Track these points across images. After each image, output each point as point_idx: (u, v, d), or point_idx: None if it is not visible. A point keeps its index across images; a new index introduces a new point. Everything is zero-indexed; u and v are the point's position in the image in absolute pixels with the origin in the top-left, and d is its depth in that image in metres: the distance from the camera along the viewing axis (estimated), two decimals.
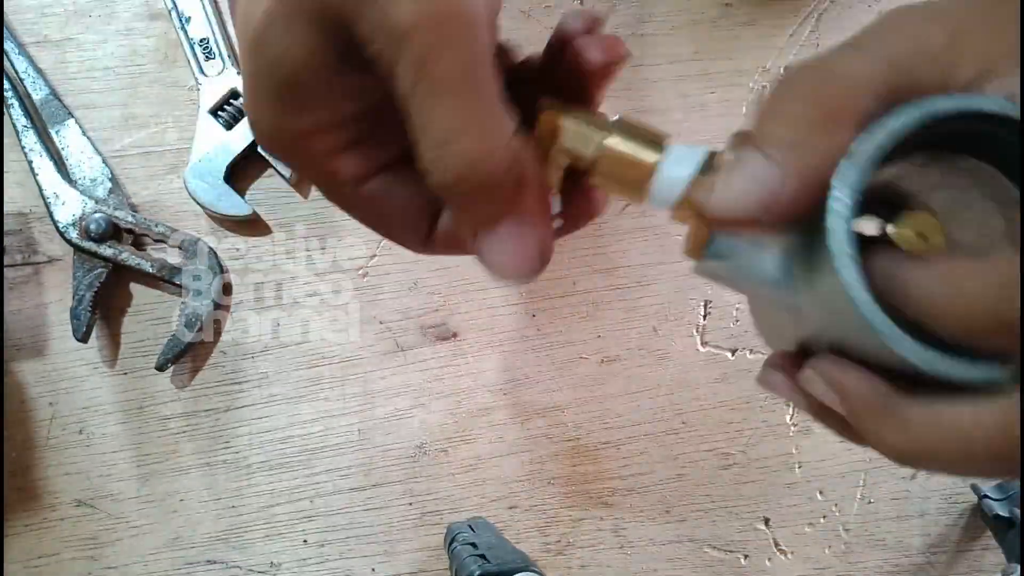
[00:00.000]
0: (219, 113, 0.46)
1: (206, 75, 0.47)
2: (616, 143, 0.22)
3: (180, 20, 0.47)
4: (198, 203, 0.46)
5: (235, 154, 0.46)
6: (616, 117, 0.23)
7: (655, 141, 0.22)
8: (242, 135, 0.46)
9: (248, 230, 0.47)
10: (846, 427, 0.22)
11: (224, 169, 0.45)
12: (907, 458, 0.20)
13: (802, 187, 0.19)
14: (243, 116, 0.46)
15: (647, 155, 0.22)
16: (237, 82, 0.46)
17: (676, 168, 0.22)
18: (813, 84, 0.19)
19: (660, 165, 0.22)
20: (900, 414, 0.19)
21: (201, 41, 0.47)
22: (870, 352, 0.20)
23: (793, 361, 0.23)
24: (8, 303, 0.45)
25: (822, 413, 0.22)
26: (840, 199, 0.19)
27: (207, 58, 0.47)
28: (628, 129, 0.22)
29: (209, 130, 0.46)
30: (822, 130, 0.19)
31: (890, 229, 0.21)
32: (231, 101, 0.47)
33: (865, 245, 0.19)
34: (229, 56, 0.47)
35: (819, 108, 0.19)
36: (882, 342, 0.18)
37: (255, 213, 0.46)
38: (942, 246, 0.20)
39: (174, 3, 0.47)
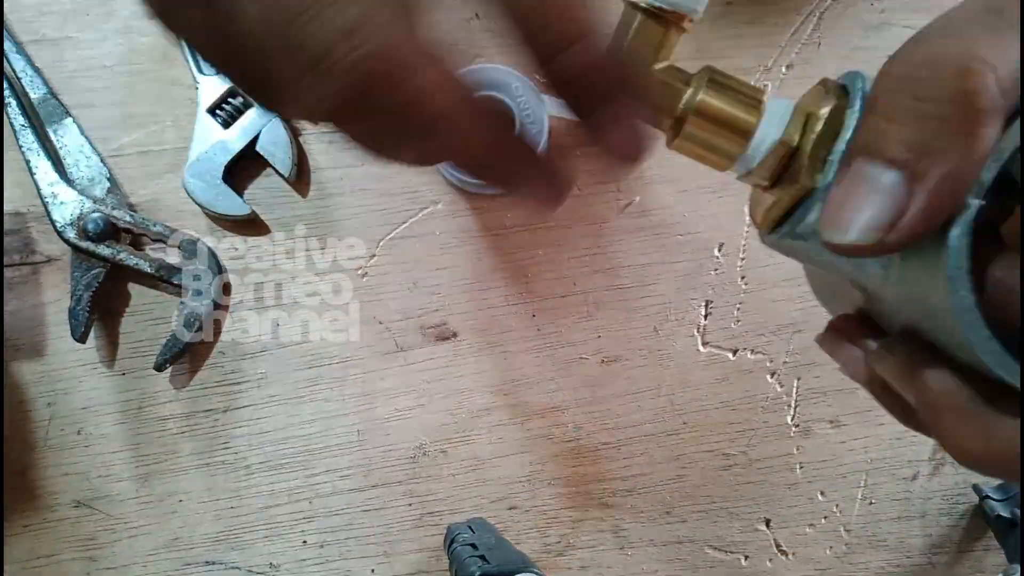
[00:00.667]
0: (217, 112, 0.46)
1: (204, 74, 0.46)
2: (712, 99, 0.19)
3: None
4: (196, 202, 0.45)
5: (233, 153, 0.45)
6: (703, 69, 0.19)
7: (754, 98, 0.19)
8: (240, 134, 0.46)
9: (247, 230, 0.47)
10: (908, 412, 0.21)
11: (222, 168, 0.45)
12: (981, 464, 0.19)
13: (940, 203, 0.16)
14: (241, 115, 0.46)
15: (746, 115, 0.19)
16: None
17: (770, 129, 0.19)
18: (945, 74, 0.15)
19: (758, 127, 0.19)
20: (985, 423, 0.18)
21: None
22: (954, 351, 0.18)
23: (858, 327, 0.21)
24: (6, 303, 0.45)
25: (880, 391, 0.21)
26: (969, 209, 0.16)
27: None
28: (722, 84, 0.19)
29: (207, 129, 0.46)
30: (965, 131, 0.15)
31: (1003, 229, 0.18)
32: (229, 100, 0.46)
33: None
34: None
35: (960, 103, 0.15)
36: (979, 358, 0.17)
37: (253, 213, 0.46)
38: None
39: None
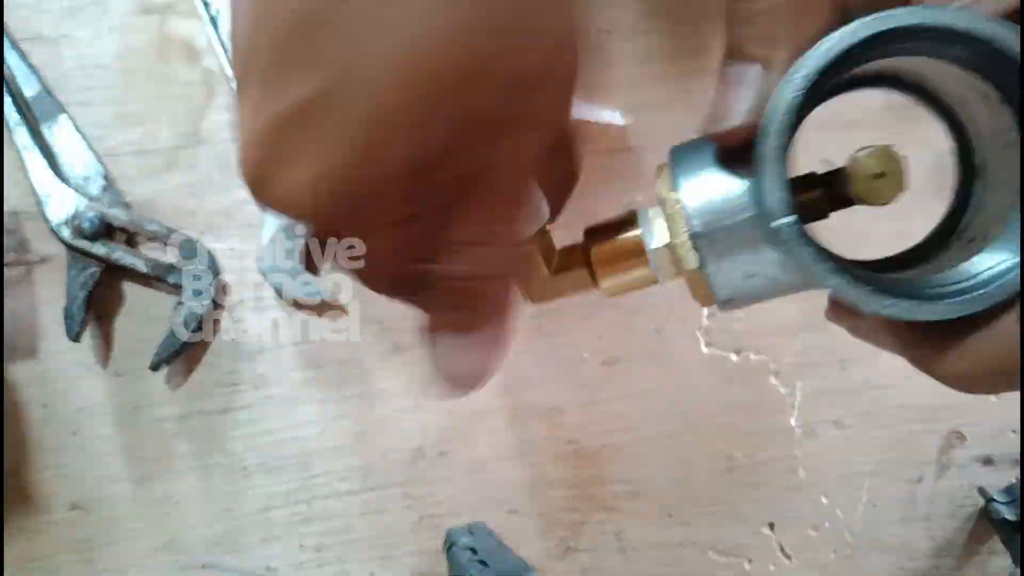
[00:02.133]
0: None
1: None
2: (600, 246, 0.24)
3: (210, 16, 0.46)
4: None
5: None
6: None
7: (630, 221, 0.24)
8: None
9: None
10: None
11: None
12: (971, 380, 0.20)
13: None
14: None
15: (633, 239, 0.23)
16: None
17: (650, 240, 0.23)
18: None
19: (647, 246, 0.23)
20: (955, 343, 0.20)
21: None
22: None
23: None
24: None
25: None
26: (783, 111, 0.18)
27: None
28: (598, 230, 0.25)
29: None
30: (794, 19, 0.18)
31: (849, 161, 0.20)
32: None
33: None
34: None
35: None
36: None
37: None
38: (896, 192, 0.20)
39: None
